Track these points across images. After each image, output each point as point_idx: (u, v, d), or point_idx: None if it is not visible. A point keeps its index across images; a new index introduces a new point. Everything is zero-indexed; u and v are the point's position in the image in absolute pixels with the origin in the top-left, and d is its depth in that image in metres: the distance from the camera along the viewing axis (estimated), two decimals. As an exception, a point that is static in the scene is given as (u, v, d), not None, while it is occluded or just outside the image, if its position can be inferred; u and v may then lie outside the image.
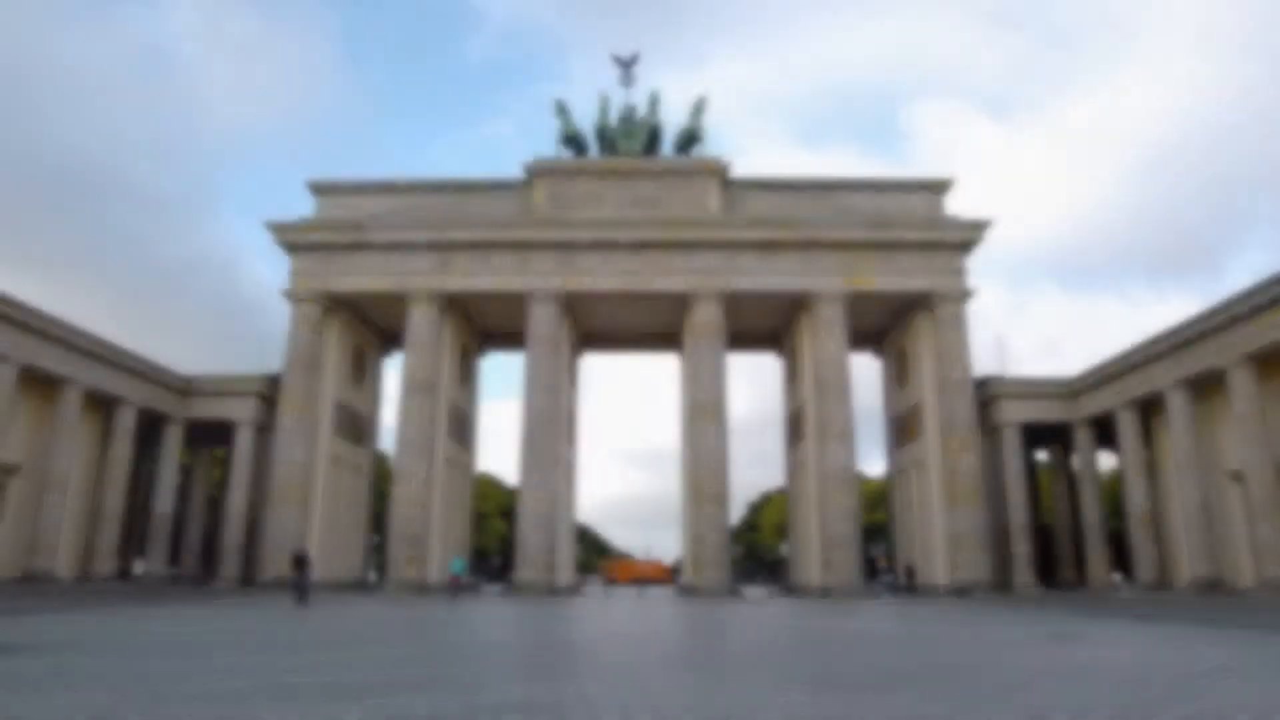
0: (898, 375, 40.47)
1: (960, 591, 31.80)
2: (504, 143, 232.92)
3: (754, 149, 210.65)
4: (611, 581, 70.02)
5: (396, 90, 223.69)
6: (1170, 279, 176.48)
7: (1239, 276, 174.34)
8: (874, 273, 34.88)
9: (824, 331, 34.58)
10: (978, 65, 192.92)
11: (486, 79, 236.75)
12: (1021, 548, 36.11)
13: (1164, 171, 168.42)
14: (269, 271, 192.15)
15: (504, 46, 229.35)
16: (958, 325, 34.62)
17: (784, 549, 50.94)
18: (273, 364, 40.79)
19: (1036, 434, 41.10)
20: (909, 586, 37.55)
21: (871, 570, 59.24)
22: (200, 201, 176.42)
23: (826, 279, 34.77)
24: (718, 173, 36.27)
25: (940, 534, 34.67)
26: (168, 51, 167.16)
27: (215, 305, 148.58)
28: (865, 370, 75.56)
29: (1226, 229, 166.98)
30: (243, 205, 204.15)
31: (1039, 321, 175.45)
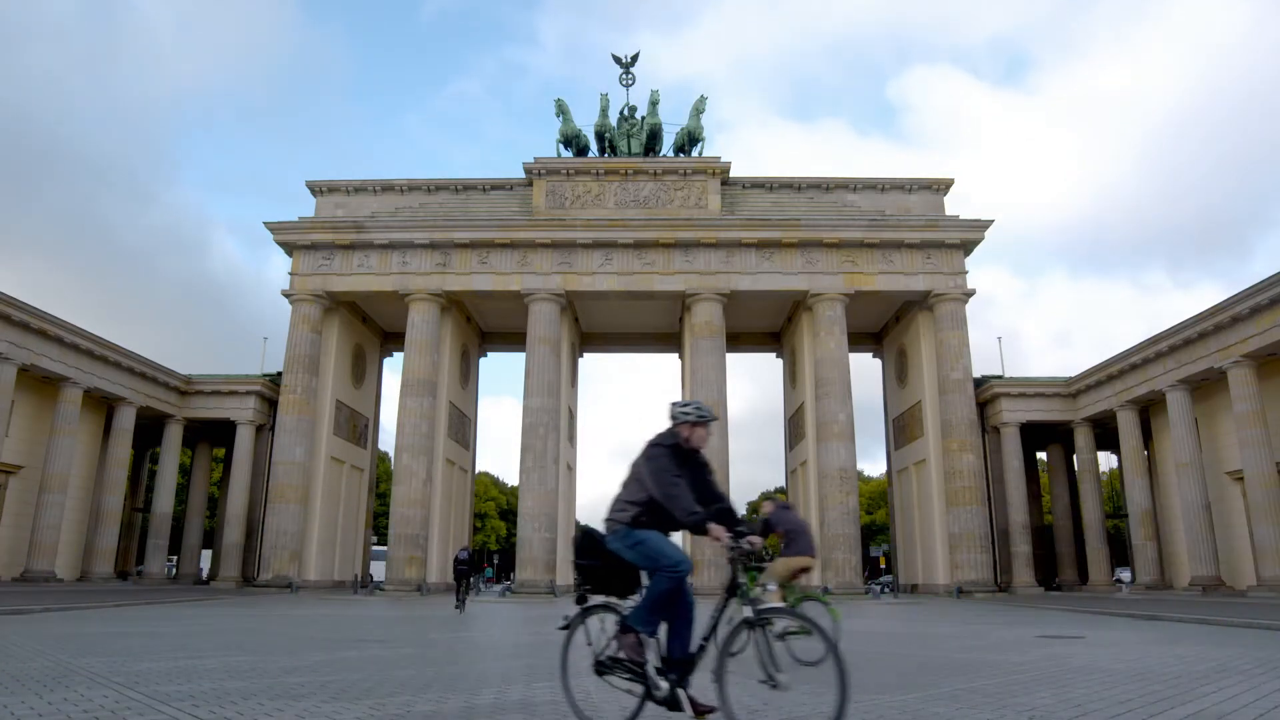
0: (898, 375, 40.52)
1: (961, 591, 31.85)
2: (475, 103, 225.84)
3: (745, 122, 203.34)
4: None
5: (355, 48, 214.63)
6: (1192, 261, 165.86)
7: (1267, 259, 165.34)
8: (874, 272, 35.00)
9: (824, 331, 34.64)
10: (983, 24, 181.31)
11: (446, 33, 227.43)
12: (1022, 548, 36.12)
13: (1187, 142, 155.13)
14: (242, 250, 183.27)
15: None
16: (958, 324, 34.67)
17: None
18: (264, 355, 40.72)
19: (1037, 433, 41.11)
20: (910, 587, 37.49)
21: (874, 570, 59.26)
22: (159, 170, 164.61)
23: (826, 278, 34.85)
24: (718, 172, 36.35)
25: (940, 534, 34.71)
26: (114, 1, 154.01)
27: (183, 287, 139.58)
28: (865, 370, 75.57)
29: (1255, 205, 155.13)
30: (205, 174, 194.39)
31: (1047, 310, 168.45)
